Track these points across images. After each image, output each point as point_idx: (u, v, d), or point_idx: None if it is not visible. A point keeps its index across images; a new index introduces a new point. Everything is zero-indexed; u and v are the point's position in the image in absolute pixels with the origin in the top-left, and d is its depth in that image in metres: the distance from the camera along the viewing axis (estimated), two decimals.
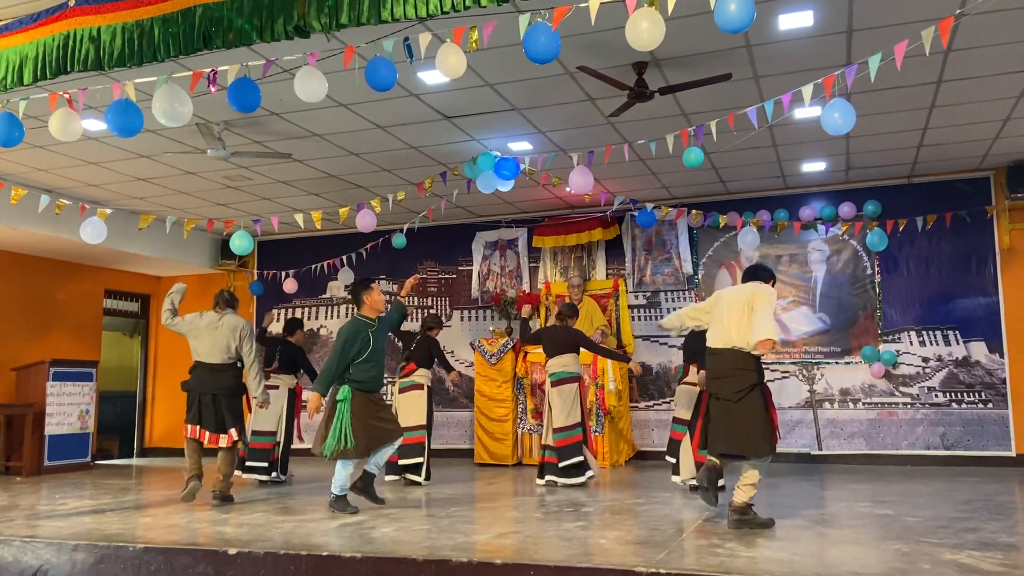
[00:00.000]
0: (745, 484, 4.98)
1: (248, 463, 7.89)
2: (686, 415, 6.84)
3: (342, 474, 5.90)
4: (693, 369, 6.85)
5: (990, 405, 8.87)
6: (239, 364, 6.67)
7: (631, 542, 4.56)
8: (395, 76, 4.82)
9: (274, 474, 7.99)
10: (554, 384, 7.45)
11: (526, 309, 8.64)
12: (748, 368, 5.00)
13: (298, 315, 11.51)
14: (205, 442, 6.45)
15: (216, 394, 6.48)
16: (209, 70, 5.10)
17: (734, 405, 4.96)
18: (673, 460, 6.97)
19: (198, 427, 6.44)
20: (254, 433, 7.90)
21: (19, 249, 10.24)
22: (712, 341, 5.15)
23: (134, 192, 9.37)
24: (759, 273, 5.37)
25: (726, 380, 5.03)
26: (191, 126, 7.07)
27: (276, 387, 8.08)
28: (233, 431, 6.49)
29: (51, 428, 9.59)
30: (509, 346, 9.70)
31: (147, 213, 9.12)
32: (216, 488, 6.47)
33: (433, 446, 8.28)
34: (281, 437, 8.08)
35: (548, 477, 7.38)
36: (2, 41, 5.04)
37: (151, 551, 4.49)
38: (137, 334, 12.74)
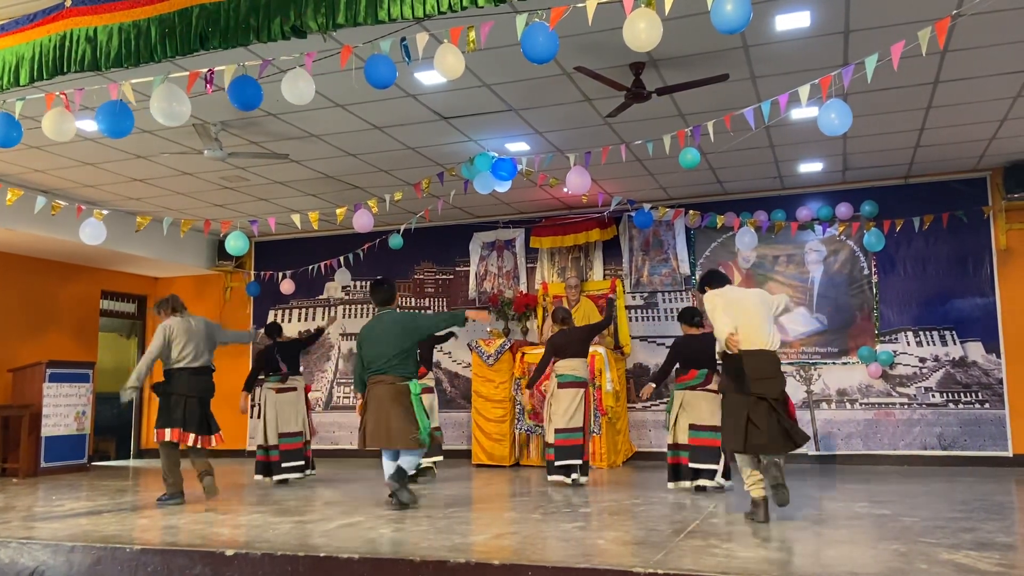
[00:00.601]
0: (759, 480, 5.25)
1: (284, 464, 8.02)
2: (716, 421, 6.63)
3: (416, 461, 6.18)
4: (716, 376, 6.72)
5: (987, 405, 8.88)
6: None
7: (629, 542, 4.56)
8: (394, 74, 4.81)
9: (308, 471, 8.20)
10: (560, 386, 7.47)
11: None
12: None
13: (295, 316, 11.64)
14: (189, 443, 6.51)
15: (202, 397, 6.61)
16: (206, 70, 5.10)
17: (781, 404, 5.17)
18: (716, 467, 6.76)
19: (180, 430, 6.49)
20: (283, 435, 8.08)
21: (15, 250, 10.21)
22: (748, 344, 5.17)
23: (131, 193, 9.36)
24: (727, 279, 5.71)
25: (774, 380, 5.21)
26: (188, 127, 7.06)
27: (294, 388, 8.28)
28: (220, 434, 6.76)
29: (48, 429, 9.57)
30: (506, 347, 9.69)
31: (144, 214, 9.10)
32: (203, 469, 6.55)
33: None
34: (308, 435, 8.31)
35: (551, 476, 7.41)
36: None
37: (148, 552, 4.48)
38: (134, 335, 12.71)
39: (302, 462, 8.11)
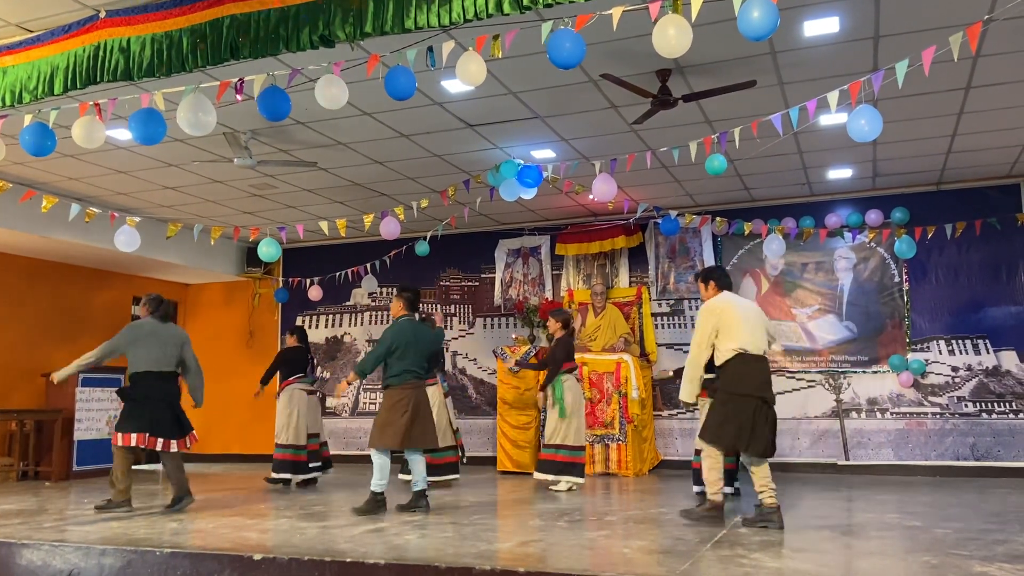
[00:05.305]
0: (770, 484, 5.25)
1: (311, 464, 8.39)
2: None
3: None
4: None
5: (1021, 415, 8.71)
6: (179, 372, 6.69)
7: (654, 551, 4.53)
8: (414, 85, 4.85)
9: (330, 471, 8.71)
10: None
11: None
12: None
13: (322, 322, 11.82)
14: (158, 447, 6.37)
15: (171, 401, 6.50)
16: (236, 80, 5.17)
17: (772, 409, 5.32)
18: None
19: (147, 435, 6.31)
20: (310, 436, 8.42)
21: (49, 257, 10.40)
22: (753, 347, 5.32)
23: (162, 200, 9.49)
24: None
25: (770, 385, 5.35)
26: (218, 135, 7.15)
27: (316, 391, 8.84)
28: (193, 433, 6.68)
29: (80, 433, 9.72)
30: (532, 353, 9.68)
31: (175, 221, 9.23)
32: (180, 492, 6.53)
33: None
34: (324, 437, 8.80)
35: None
36: (34, 52, 5.15)
37: (177, 556, 4.53)
38: None
39: (320, 463, 8.52)
